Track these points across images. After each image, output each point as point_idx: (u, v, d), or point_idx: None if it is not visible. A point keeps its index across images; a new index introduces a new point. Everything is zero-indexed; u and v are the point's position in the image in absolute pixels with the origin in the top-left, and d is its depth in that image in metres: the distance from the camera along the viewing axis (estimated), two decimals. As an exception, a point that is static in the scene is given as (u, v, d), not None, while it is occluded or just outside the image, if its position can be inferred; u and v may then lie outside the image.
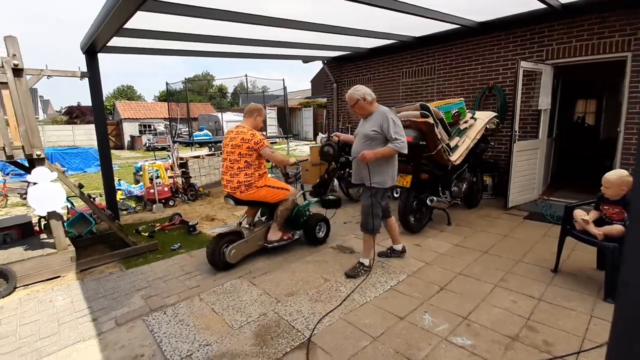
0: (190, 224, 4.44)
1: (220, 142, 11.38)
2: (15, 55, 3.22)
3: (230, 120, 16.41)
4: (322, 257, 3.56)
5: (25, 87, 3.32)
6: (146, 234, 4.44)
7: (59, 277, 3.31)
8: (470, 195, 5.11)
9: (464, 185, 4.68)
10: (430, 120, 3.80)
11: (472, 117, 4.57)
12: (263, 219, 3.80)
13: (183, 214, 5.10)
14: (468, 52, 5.95)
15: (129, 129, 22.17)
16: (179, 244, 4.05)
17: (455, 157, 4.14)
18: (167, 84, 12.77)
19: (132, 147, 20.99)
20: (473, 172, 5.00)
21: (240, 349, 2.17)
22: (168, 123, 21.84)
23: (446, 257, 3.51)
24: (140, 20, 3.69)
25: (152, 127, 22.53)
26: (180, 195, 6.32)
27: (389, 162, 3.06)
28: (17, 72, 3.23)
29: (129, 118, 22.36)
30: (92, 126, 22.54)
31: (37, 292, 3.05)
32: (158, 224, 4.79)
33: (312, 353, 2.12)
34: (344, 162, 5.38)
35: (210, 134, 14.03)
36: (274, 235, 3.54)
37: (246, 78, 10.86)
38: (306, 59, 8.32)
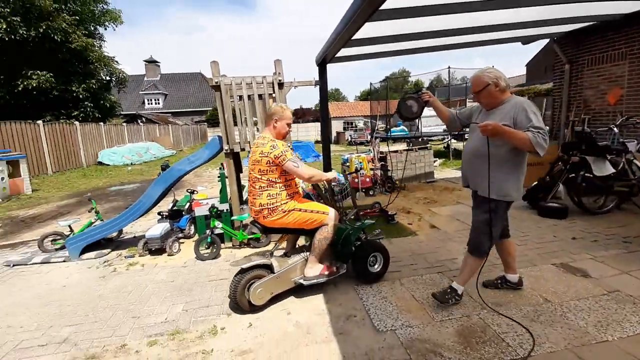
0: (389, 213, 4.79)
1: (417, 137, 11.49)
2: (279, 73, 4.40)
3: (426, 115, 16.18)
4: (540, 273, 3.04)
5: (284, 96, 4.49)
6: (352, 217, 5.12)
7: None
8: None
9: None
10: None
11: None
12: (308, 244, 3.03)
13: (382, 204, 5.54)
14: None
15: (335, 126, 25.87)
16: (378, 230, 4.45)
17: None
18: (370, 84, 14.02)
19: (337, 141, 24.46)
20: None
21: (442, 341, 2.20)
22: (367, 120, 23.98)
23: None
24: (364, 30, 4.22)
25: (353, 124, 25.41)
26: (378, 186, 6.88)
27: (517, 164, 2.34)
28: (280, 85, 4.40)
29: (335, 116, 26.11)
30: (310, 125, 27.50)
31: (284, 246, 4.12)
32: (361, 210, 5.42)
33: (528, 375, 1.88)
34: (578, 163, 4.30)
35: (406, 130, 14.40)
36: (312, 269, 2.81)
37: (449, 70, 10.40)
38: (527, 40, 7.09)
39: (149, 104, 36.14)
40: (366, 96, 44.27)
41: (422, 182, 7.57)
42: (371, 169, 6.97)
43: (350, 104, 30.65)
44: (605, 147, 4.40)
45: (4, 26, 13.76)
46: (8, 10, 13.91)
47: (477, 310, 2.52)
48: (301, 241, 3.56)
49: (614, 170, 4.35)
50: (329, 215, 2.77)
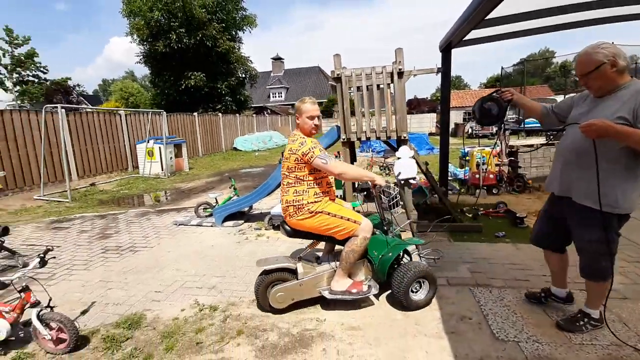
0: (517, 215, 4.23)
1: (560, 130, 9.61)
2: (400, 61, 4.32)
3: (573, 103, 13.37)
4: None
5: (403, 85, 4.40)
6: (470, 215, 4.73)
7: (404, 231, 4.28)
8: None
9: None
10: None
11: None
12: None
13: (508, 204, 4.92)
14: None
15: (454, 117, 23.80)
16: (503, 232, 3.99)
17: None
18: (502, 68, 12.36)
19: (454, 133, 22.51)
20: None
21: (581, 367, 1.88)
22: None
23: None
24: (499, 8, 3.74)
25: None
26: (504, 185, 6.11)
27: (631, 167, 1.84)
28: (400, 74, 4.32)
29: (454, 107, 24.00)
30: (425, 116, 26.01)
31: (392, 237, 4.13)
32: (482, 209, 4.94)
33: None
34: None
35: (543, 121, 12.22)
36: (339, 283, 2.51)
37: (614, 46, 8.24)
38: None
39: (273, 97, 40.36)
40: (494, 82, 39.20)
41: (562, 183, 6.37)
42: (496, 165, 6.23)
43: (473, 92, 27.65)
44: None
45: (174, 37, 17.39)
46: (177, 23, 17.50)
47: (634, 341, 2.04)
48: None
49: None
50: (361, 225, 2.44)
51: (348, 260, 2.46)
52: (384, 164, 8.77)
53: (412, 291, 2.50)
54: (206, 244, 4.23)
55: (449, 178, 7.27)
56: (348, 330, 2.35)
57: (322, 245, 2.89)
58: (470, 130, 20.50)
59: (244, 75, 22.49)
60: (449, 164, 8.22)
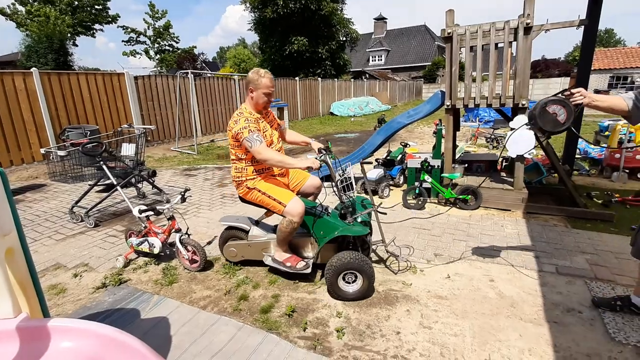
0: (670, 206, 3.39)
1: None
2: (529, 14, 3.67)
3: None
4: None
5: (530, 43, 3.77)
6: (599, 201, 3.99)
7: (510, 210, 3.89)
8: None
9: None
10: None
11: None
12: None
13: (657, 192, 3.97)
14: None
15: (596, 82, 19.33)
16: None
17: None
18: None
19: (591, 104, 18.42)
20: None
21: None
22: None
23: None
24: None
25: (628, 79, 18.15)
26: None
27: None
28: (526, 30, 3.69)
29: (599, 69, 19.36)
30: (552, 80, 21.82)
31: (492, 215, 3.82)
32: (618, 195, 4.10)
33: None
34: None
35: None
36: (278, 254, 2.60)
37: None
38: None
39: (372, 60, 38.96)
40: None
41: None
42: (647, 143, 4.98)
43: (628, 50, 21.65)
44: None
45: (281, 2, 18.00)
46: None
47: None
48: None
49: None
50: (286, 208, 2.38)
51: (278, 237, 2.52)
52: (492, 136, 7.82)
53: (347, 282, 2.38)
54: (303, 200, 4.61)
55: (578, 156, 6.15)
56: (434, 298, 2.36)
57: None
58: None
59: (344, 39, 22.19)
60: (580, 139, 6.90)
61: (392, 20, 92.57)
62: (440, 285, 2.52)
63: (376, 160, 5.18)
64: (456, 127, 4.74)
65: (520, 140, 3.81)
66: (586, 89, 4.53)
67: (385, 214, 3.27)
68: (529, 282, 2.50)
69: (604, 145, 5.62)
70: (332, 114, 17.78)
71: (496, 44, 3.81)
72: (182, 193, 2.98)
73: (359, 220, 2.54)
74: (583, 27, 4.25)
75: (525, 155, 3.81)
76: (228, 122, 2.51)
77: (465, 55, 4.03)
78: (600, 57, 20.24)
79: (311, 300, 2.39)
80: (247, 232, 2.77)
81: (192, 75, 9.71)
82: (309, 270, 2.52)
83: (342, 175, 2.61)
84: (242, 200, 2.67)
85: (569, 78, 21.25)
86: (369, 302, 2.34)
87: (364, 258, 2.35)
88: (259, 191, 2.50)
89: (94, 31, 23.60)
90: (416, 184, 4.21)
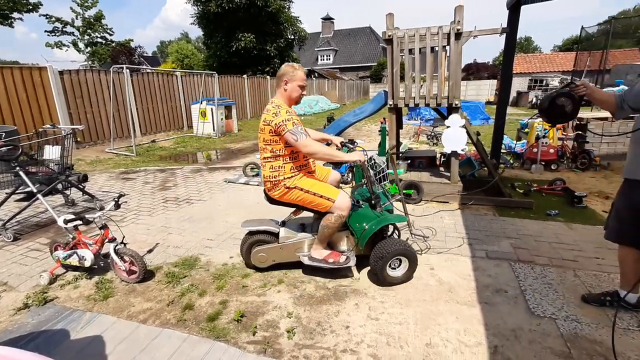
0: (576, 194, 3.91)
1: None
2: (459, 21, 3.97)
3: (668, 71, 11.39)
4: None
5: (460, 48, 4.08)
6: (521, 191, 4.47)
7: (447, 202, 4.20)
8: None
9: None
10: None
11: None
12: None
13: (567, 182, 4.55)
14: None
15: (518, 84, 21.58)
16: (557, 210, 3.75)
17: None
18: (582, 28, 10.75)
19: (516, 103, 20.56)
20: None
21: (621, 351, 1.82)
22: (565, 77, 18.92)
23: None
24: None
25: (544, 82, 20.55)
26: (565, 161, 5.60)
27: None
28: (457, 35, 4.00)
29: (520, 72, 21.66)
30: (483, 82, 23.84)
31: (433, 207, 4.09)
32: (535, 185, 4.63)
33: None
34: None
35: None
36: (317, 252, 2.53)
37: None
38: None
39: (321, 59, 39.42)
40: (571, 45, 34.43)
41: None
42: (560, 139, 5.69)
43: (543, 56, 24.54)
44: None
45: (227, -3, 17.40)
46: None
47: (693, 335, 1.91)
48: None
49: None
50: (335, 203, 2.36)
51: (323, 234, 2.47)
52: (432, 133, 8.39)
53: (392, 267, 2.49)
54: (252, 200, 4.52)
55: (503, 151, 6.82)
56: (381, 290, 2.47)
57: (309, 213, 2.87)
58: (534, 100, 18.58)
59: (292, 37, 22.14)
60: (505, 136, 7.66)
61: (340, 21, 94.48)
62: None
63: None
64: (399, 125, 4.99)
65: (454, 138, 4.13)
66: (509, 90, 5.05)
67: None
68: (463, 267, 2.72)
69: (524, 140, 6.32)
70: (282, 112, 17.67)
71: (432, 48, 4.07)
72: (116, 199, 2.75)
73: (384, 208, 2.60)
74: (505, 34, 4.72)
75: (459, 151, 4.13)
76: (264, 116, 2.33)
77: (405, 57, 4.25)
78: (521, 62, 22.67)
79: (261, 303, 2.35)
80: (274, 234, 2.65)
81: (128, 70, 8.98)
82: (352, 263, 2.52)
83: (376, 167, 2.69)
84: (273, 201, 2.53)
85: (496, 80, 23.50)
86: (320, 300, 2.37)
87: (407, 243, 2.47)
88: (301, 189, 2.39)
89: (12, 20, 20.71)
90: (363, 180, 4.35)
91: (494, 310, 2.20)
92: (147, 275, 2.67)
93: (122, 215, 4.04)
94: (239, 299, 2.40)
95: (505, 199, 4.04)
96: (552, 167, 5.44)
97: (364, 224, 2.46)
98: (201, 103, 10.78)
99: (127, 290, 2.55)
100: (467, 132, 4.21)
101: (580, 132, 5.61)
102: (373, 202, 2.60)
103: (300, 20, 21.95)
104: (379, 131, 4.68)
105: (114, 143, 8.67)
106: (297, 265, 2.73)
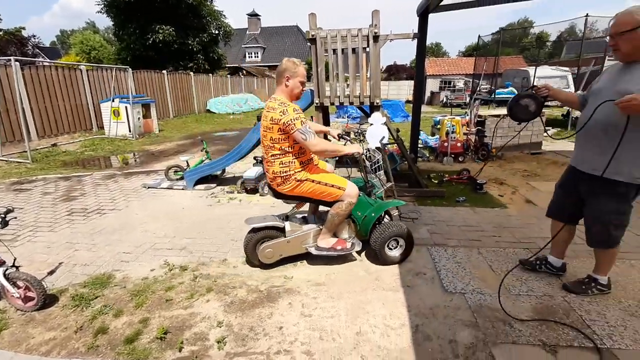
0: (478, 182, 4.48)
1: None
2: (376, 25, 4.22)
3: (544, 75, 13.74)
4: (656, 268, 2.59)
5: (378, 50, 4.34)
6: (435, 182, 4.96)
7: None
8: None
9: None
10: None
11: None
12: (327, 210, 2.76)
13: (471, 172, 5.18)
14: None
15: (431, 85, 23.87)
16: (464, 197, 4.25)
17: None
18: (479, 37, 12.32)
19: (430, 102, 22.72)
20: None
21: (514, 313, 2.14)
22: (468, 80, 21.50)
23: None
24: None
25: (452, 83, 23.06)
26: (470, 153, 6.37)
27: None
28: (375, 38, 4.24)
29: (432, 74, 23.96)
30: (402, 83, 25.82)
31: (361, 202, 4.30)
32: (447, 175, 5.18)
33: (610, 365, 1.74)
34: None
35: (516, 92, 12.52)
36: (325, 241, 2.69)
37: (586, 18, 8.37)
38: None
39: (249, 57, 38.45)
40: (472, 51, 39.17)
41: (525, 152, 6.72)
42: (464, 134, 6.44)
43: (450, 60, 27.57)
44: None
45: (139, -15, 15.84)
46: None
47: (564, 293, 2.34)
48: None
49: None
50: (345, 191, 2.50)
51: (333, 222, 2.58)
52: (359, 130, 8.80)
53: (389, 248, 2.73)
54: (177, 206, 4.22)
55: (420, 145, 7.48)
56: (313, 286, 2.51)
57: (306, 206, 3.04)
58: (445, 99, 20.74)
59: (217, 32, 21.14)
60: (421, 132, 8.41)
61: (266, 18, 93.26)
62: (318, 273, 2.69)
63: (255, 158, 5.15)
64: (326, 123, 5.13)
65: (377, 134, 4.39)
66: (423, 90, 5.54)
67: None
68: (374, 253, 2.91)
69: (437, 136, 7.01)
70: (209, 111, 16.82)
71: (354, 49, 4.25)
72: (2, 215, 2.31)
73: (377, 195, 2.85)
74: (417, 39, 5.17)
75: (381, 146, 4.40)
76: (270, 115, 2.33)
77: (329, 57, 4.36)
78: (433, 65, 25.14)
79: (188, 315, 2.21)
80: (279, 229, 2.69)
81: (17, 63, 7.61)
82: (358, 247, 2.71)
83: (372, 158, 2.91)
84: (280, 196, 2.60)
85: (412, 81, 25.66)
86: (252, 304, 2.32)
87: (403, 225, 2.69)
88: (312, 181, 2.48)
89: None
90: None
91: (415, 292, 2.41)
92: (49, 300, 2.31)
93: (15, 233, 3.43)
94: (163, 314, 2.22)
95: (422, 189, 4.43)
96: (460, 159, 6.15)
97: (366, 211, 2.70)
98: (113, 101, 9.67)
99: (25, 320, 2.18)
100: (389, 129, 4.51)
101: (480, 128, 6.43)
102: (368, 190, 2.82)
103: (224, 15, 21.06)
104: (308, 130, 4.75)
105: (3, 149, 7.30)
106: (227, 271, 2.63)
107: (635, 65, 1.86)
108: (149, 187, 5.00)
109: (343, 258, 2.87)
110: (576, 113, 11.03)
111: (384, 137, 4.40)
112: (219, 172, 5.30)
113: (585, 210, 2.19)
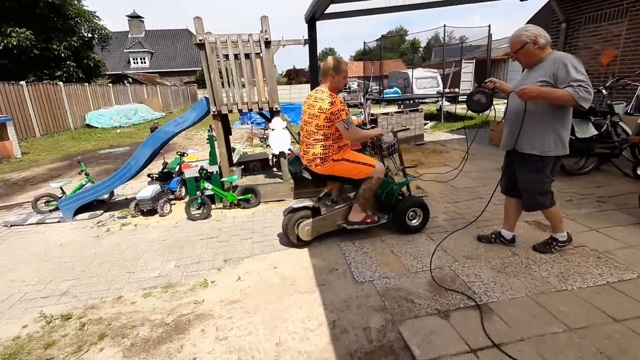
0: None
1: (410, 100, 11.33)
2: (266, 30, 4.23)
3: (420, 76, 15.85)
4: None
5: (271, 55, 4.37)
6: (341, 179, 5.23)
7: (283, 200, 4.47)
8: None
9: None
10: None
11: None
12: (351, 195, 3.36)
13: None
14: None
15: (330, 88, 25.16)
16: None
17: None
18: (364, 43, 13.52)
19: (331, 103, 23.92)
20: None
21: (414, 290, 2.40)
22: (361, 82, 23.41)
23: None
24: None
25: (347, 85, 24.75)
26: (368, 149, 6.93)
27: (558, 118, 2.39)
28: (267, 44, 4.25)
29: (330, 78, 25.31)
30: (304, 86, 26.72)
31: (271, 207, 4.26)
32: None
33: (488, 317, 2.09)
34: None
35: (400, 92, 14.14)
36: (355, 216, 3.09)
37: (444, 29, 9.99)
38: (526, -5, 6.83)
39: (134, 63, 34.60)
40: (360, 56, 42.74)
41: (411, 144, 7.62)
42: (362, 132, 6.98)
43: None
44: (590, 110, 4.44)
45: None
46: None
47: (450, 263, 2.71)
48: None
49: (596, 132, 4.44)
50: (376, 167, 2.95)
51: (364, 197, 2.99)
52: (265, 136, 8.75)
53: (409, 218, 3.21)
54: (52, 244, 3.52)
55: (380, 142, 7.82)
56: (227, 306, 2.38)
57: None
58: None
59: (90, 35, 18.40)
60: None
61: (151, 21, 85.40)
62: (232, 290, 2.56)
63: (149, 175, 4.65)
64: (227, 131, 4.93)
65: (280, 139, 4.42)
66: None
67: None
68: (301, 259, 2.95)
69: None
70: (89, 126, 14.51)
71: (247, 54, 4.18)
72: None
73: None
74: (307, 45, 5.37)
75: (286, 151, 4.46)
76: (319, 104, 2.77)
77: (221, 63, 4.19)
78: (330, 68, 26.58)
79: (74, 372, 1.85)
80: (313, 209, 3.10)
81: None
82: (384, 220, 3.19)
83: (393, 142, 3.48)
84: (317, 177, 3.05)
85: (314, 84, 26.72)
86: (158, 341, 2.07)
87: (419, 198, 3.33)
88: (348, 160, 2.90)
89: None
90: (198, 193, 4.09)
91: (329, 289, 2.49)
92: None
93: None
94: (39, 379, 1.82)
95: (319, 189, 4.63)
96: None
97: (386, 189, 3.19)
98: (-56, 122, 7.55)
99: None
100: (291, 133, 4.59)
101: (374, 125, 7.04)
102: (386, 171, 3.18)
103: (97, 16, 18.44)
104: (207, 140, 4.48)
105: None
106: (123, 310, 2.30)
107: (534, 68, 2.42)
108: (11, 226, 4.05)
109: (258, 269, 2.80)
110: (447, 108, 13.01)
111: (291, 149, 4.50)
112: (106, 196, 4.61)
113: (518, 183, 2.65)
